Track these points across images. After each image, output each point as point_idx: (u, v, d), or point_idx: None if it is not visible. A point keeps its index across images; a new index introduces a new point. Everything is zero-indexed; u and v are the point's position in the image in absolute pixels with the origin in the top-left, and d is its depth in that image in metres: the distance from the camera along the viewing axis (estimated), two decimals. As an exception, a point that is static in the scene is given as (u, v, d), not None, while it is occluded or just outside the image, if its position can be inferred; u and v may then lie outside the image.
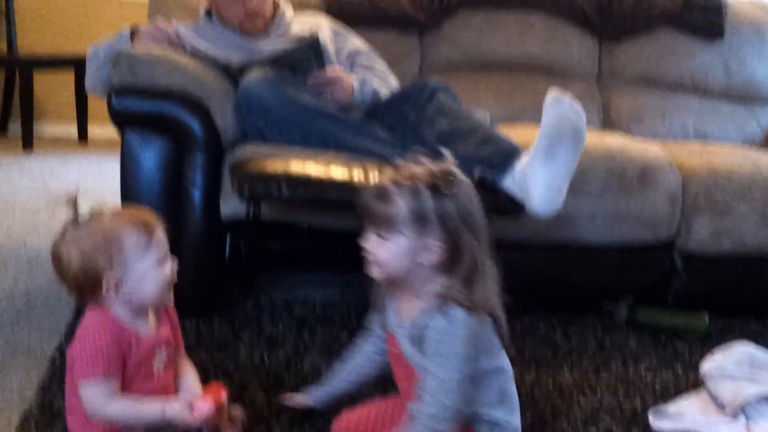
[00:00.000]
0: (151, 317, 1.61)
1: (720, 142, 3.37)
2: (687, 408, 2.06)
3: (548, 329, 2.58)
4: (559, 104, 2.18)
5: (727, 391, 2.08)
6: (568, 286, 2.72)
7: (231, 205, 2.43)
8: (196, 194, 2.40)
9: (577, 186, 2.43)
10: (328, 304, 2.62)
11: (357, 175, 2.28)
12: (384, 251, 1.58)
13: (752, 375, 2.17)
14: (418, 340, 1.57)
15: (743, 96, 3.53)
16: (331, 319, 2.50)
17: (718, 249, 2.74)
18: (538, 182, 2.21)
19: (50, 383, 1.95)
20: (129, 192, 2.41)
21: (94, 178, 4.35)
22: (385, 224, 1.56)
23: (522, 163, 2.29)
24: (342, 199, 2.29)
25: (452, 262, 1.56)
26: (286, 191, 2.23)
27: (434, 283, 1.58)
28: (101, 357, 1.48)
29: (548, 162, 2.19)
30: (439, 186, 1.55)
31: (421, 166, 1.60)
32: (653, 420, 1.99)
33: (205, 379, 2.00)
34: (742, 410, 2.04)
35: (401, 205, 1.55)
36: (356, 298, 2.67)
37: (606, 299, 2.70)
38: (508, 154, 2.33)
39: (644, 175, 2.68)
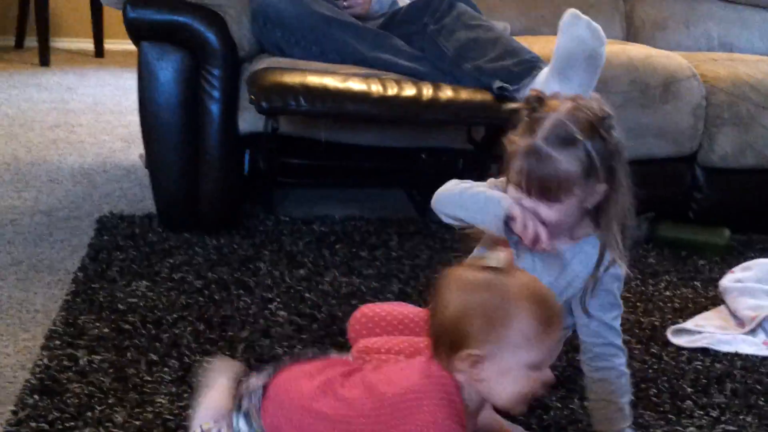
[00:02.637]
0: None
1: (745, 52, 3.29)
2: (706, 324, 2.06)
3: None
4: (575, 25, 2.11)
5: (746, 307, 2.08)
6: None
7: (249, 120, 2.41)
8: (214, 108, 2.37)
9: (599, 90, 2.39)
10: (348, 221, 2.61)
11: (375, 88, 2.25)
12: (554, 213, 1.44)
13: (772, 290, 2.16)
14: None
15: (771, 4, 3.45)
16: (350, 236, 2.50)
17: (741, 162, 2.71)
18: None
19: (74, 300, 1.97)
20: (146, 106, 2.39)
21: (112, 92, 4.33)
22: (555, 190, 1.41)
23: (542, 76, 2.25)
24: (360, 112, 2.28)
25: (608, 199, 1.47)
26: (304, 104, 2.21)
27: (587, 225, 1.52)
28: None
29: (563, 84, 2.15)
30: (597, 129, 1.42)
31: (561, 105, 1.44)
32: (672, 336, 2.00)
33: (228, 294, 2.03)
34: (760, 326, 2.04)
35: (570, 167, 1.40)
36: (376, 214, 2.67)
37: (627, 214, 2.68)
38: (529, 66, 2.29)
39: (667, 87, 2.63)
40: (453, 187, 1.55)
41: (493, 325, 1.17)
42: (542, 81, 2.24)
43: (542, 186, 1.42)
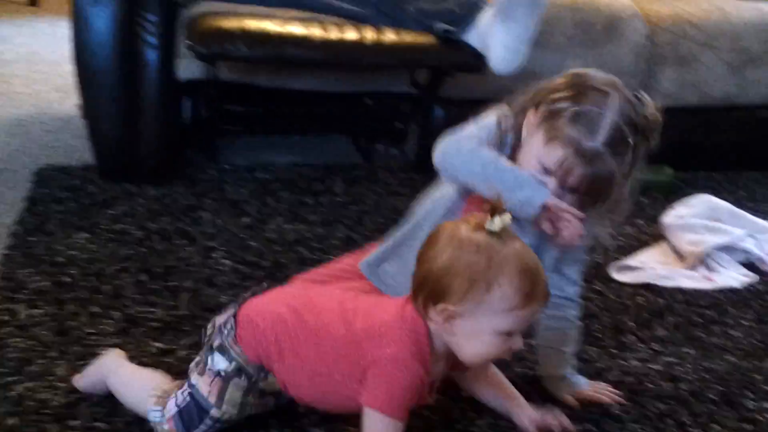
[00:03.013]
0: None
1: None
2: (648, 260, 2.09)
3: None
4: None
5: (687, 242, 2.11)
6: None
7: (188, 66, 2.37)
8: (151, 55, 2.31)
9: (542, 39, 2.38)
10: (292, 167, 2.58)
11: (316, 31, 2.22)
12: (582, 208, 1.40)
13: (712, 226, 2.19)
14: None
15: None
16: (295, 183, 2.47)
17: (684, 101, 2.73)
18: (497, 41, 2.17)
19: (12, 254, 1.92)
20: (81, 54, 2.31)
21: (47, 42, 4.20)
22: (603, 193, 1.38)
23: (485, 17, 2.23)
24: (301, 57, 2.24)
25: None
26: (244, 49, 2.18)
27: None
28: (405, 400, 1.23)
29: (507, 22, 2.14)
30: (648, 139, 1.39)
31: (611, 97, 1.37)
32: (615, 273, 2.02)
33: (170, 244, 2.00)
34: (702, 261, 2.07)
35: (619, 171, 1.36)
36: (320, 160, 2.64)
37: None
38: (472, 7, 2.27)
39: (611, 26, 2.63)
40: (470, 153, 1.41)
41: (475, 287, 1.18)
42: (485, 22, 2.22)
43: (592, 188, 1.37)
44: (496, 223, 1.20)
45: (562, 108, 1.38)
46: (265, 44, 2.21)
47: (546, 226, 1.39)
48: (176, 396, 1.31)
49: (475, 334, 1.22)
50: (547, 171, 1.38)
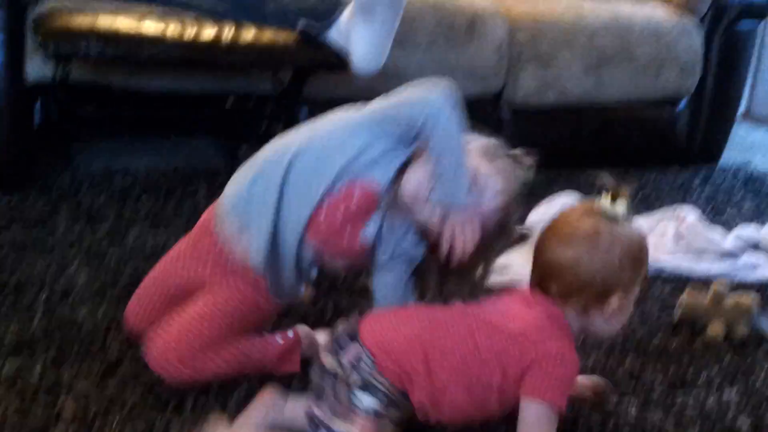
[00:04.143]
0: None
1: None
2: (513, 260, 2.10)
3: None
4: None
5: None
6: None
7: (37, 67, 2.27)
8: (-3, 54, 2.21)
9: (404, 38, 2.38)
10: (152, 172, 2.49)
11: (172, 29, 2.15)
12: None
13: (576, 223, 2.24)
14: None
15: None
16: (155, 189, 2.38)
17: (544, 100, 2.78)
18: (358, 40, 2.15)
19: None
20: None
21: None
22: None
23: (346, 14, 2.21)
24: (156, 56, 2.18)
25: None
26: (96, 49, 2.10)
27: None
28: (569, 391, 1.29)
29: (366, 22, 2.12)
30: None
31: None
32: (483, 273, 2.03)
33: (23, 256, 1.90)
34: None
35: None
36: (182, 164, 2.56)
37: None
38: (334, 4, 2.25)
39: (472, 25, 2.65)
40: (459, 130, 1.42)
41: (637, 271, 1.31)
42: (346, 19, 2.20)
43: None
44: (615, 210, 1.31)
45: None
46: (118, 42, 2.14)
47: (445, 231, 1.42)
48: None
49: (623, 309, 1.32)
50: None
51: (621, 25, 2.81)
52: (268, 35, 2.26)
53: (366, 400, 1.24)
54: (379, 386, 1.25)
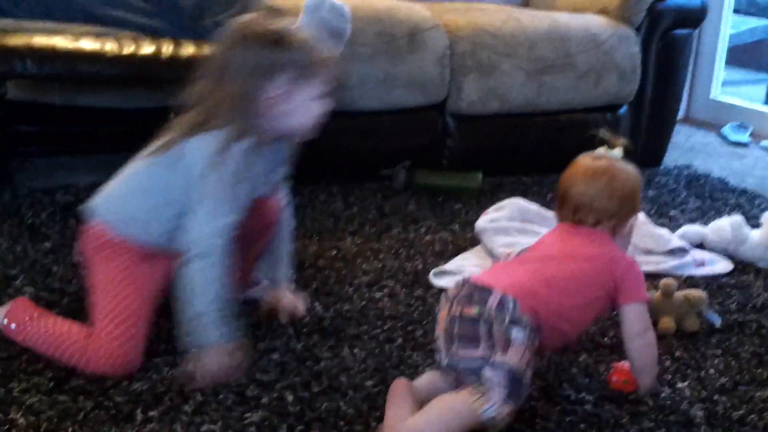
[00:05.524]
0: None
1: (483, 1, 3.40)
2: (465, 263, 2.11)
3: (328, 198, 2.56)
4: (318, 8, 2.15)
5: (501, 244, 2.15)
6: (345, 154, 2.69)
7: (-27, 87, 2.21)
8: (-70, 74, 2.15)
9: (346, 51, 2.38)
10: (95, 188, 2.43)
11: (110, 47, 2.13)
12: None
13: (523, 227, 2.26)
14: None
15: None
16: (99, 204, 2.33)
17: (487, 108, 2.80)
18: None
19: None
20: None
21: None
22: None
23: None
24: (94, 73, 2.16)
25: None
26: (32, 67, 2.08)
27: None
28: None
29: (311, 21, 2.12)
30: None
31: None
32: (434, 278, 2.03)
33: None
34: (516, 261, 2.11)
35: None
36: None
37: (384, 165, 2.70)
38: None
39: (413, 37, 2.66)
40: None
41: (638, 200, 1.61)
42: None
43: None
44: (617, 152, 1.61)
45: None
46: (54, 61, 2.12)
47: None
48: (492, 382, 1.38)
49: (631, 230, 1.62)
50: None
51: (560, 35, 2.85)
52: (207, 50, 2.24)
53: (516, 333, 1.42)
54: (523, 321, 1.42)
